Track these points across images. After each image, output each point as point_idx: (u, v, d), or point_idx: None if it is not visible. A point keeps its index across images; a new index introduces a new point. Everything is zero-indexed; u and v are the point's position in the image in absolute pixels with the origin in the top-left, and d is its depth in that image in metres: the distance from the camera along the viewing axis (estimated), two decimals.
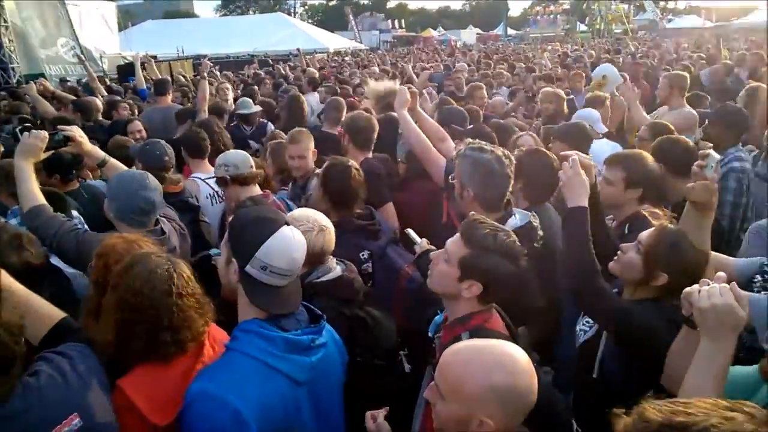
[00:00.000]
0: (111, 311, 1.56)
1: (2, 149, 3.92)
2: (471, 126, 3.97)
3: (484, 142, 2.49)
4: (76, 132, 2.67)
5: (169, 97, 6.08)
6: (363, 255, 2.52)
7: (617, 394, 1.76)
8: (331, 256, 2.10)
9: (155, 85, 6.45)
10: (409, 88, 3.45)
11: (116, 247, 1.79)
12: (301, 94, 6.08)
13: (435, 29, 51.96)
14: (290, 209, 3.00)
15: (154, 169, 2.93)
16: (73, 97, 6.88)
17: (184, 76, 10.32)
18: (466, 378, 1.24)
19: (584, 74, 7.56)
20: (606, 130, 4.22)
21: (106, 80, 11.86)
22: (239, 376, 1.51)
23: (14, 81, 13.52)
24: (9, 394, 1.24)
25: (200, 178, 3.64)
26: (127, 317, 1.53)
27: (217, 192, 3.57)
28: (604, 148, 3.41)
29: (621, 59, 11.51)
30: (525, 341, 1.92)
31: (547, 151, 2.86)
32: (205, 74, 5.91)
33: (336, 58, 21.82)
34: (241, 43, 24.31)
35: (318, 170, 3.21)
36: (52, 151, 2.57)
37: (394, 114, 3.48)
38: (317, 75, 9.71)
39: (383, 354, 2.06)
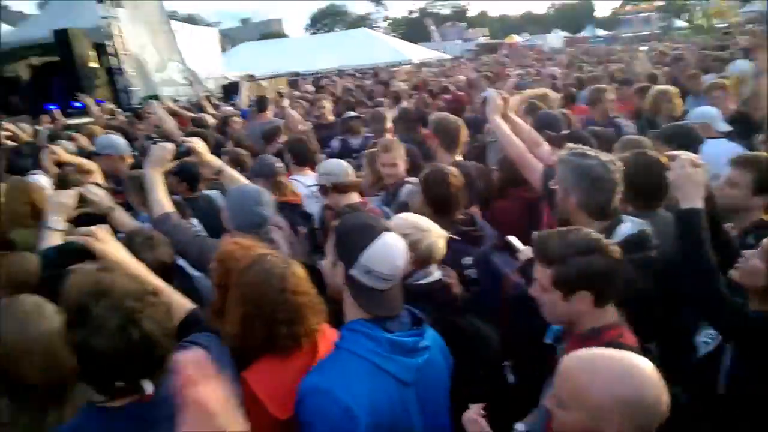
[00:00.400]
0: (234, 306, 1.68)
1: (133, 161, 4.39)
2: (567, 131, 3.85)
3: (587, 147, 2.41)
4: (198, 144, 2.91)
5: (270, 113, 6.51)
6: (466, 261, 2.50)
7: (747, 409, 1.64)
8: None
9: (256, 103, 6.96)
10: (500, 93, 3.43)
11: (234, 253, 1.91)
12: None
13: (519, 35, 50.63)
14: (386, 216, 3.09)
15: (271, 177, 3.33)
16: (192, 115, 7.56)
17: (281, 93, 10.92)
18: (590, 386, 1.19)
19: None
20: (729, 128, 3.85)
21: (212, 99, 12.81)
22: (348, 373, 1.54)
23: (135, 103, 15.12)
24: (160, 382, 1.37)
25: (297, 180, 3.92)
26: (249, 311, 1.65)
27: (312, 192, 3.79)
28: (721, 148, 3.11)
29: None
30: (655, 358, 1.81)
31: (653, 152, 2.68)
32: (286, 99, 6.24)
33: (423, 69, 22.06)
34: (330, 59, 25.16)
35: (408, 178, 3.28)
36: (179, 161, 2.85)
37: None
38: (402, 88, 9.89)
39: (483, 362, 2.03)
